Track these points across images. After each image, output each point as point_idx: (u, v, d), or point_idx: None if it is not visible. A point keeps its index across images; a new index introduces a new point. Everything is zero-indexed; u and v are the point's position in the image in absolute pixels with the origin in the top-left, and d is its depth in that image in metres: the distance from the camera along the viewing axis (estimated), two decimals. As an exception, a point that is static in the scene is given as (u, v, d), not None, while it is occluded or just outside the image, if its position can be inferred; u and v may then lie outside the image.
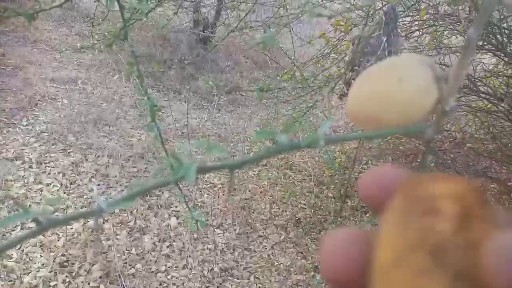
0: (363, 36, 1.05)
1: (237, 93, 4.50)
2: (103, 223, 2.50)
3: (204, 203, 2.86)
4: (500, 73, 2.66)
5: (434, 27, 2.39)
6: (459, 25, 2.25)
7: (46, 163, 2.80)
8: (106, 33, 1.86)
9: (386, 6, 1.02)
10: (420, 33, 2.54)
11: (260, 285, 2.37)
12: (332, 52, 2.47)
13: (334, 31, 2.28)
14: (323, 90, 1.65)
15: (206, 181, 3.06)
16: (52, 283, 2.10)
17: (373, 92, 0.57)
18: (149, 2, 1.03)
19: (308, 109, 2.22)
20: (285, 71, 2.53)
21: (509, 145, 2.64)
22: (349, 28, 2.25)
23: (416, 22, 2.30)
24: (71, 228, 2.40)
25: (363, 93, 0.57)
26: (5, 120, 3.06)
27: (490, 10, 0.50)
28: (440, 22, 2.37)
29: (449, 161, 2.83)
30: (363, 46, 1.09)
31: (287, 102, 3.96)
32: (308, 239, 2.73)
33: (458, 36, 2.63)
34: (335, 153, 3.42)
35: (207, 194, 2.97)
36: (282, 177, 3.26)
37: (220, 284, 2.34)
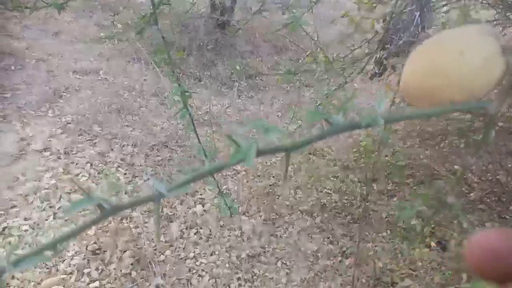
0: (395, 11, 1.00)
1: (257, 78, 4.46)
2: (131, 212, 2.54)
3: (229, 189, 2.86)
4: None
5: (463, 0, 2.28)
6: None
7: (73, 153, 2.85)
8: (129, 22, 1.85)
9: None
10: (448, 8, 2.44)
11: (288, 271, 2.37)
12: (356, 33, 2.40)
13: (358, 9, 2.21)
14: (348, 71, 1.60)
15: (230, 167, 3.06)
16: (86, 270, 2.15)
17: (431, 67, 0.52)
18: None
19: (337, 89, 2.16)
20: (307, 53, 2.48)
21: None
22: (374, 5, 2.17)
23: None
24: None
25: (420, 67, 0.53)
26: (32, 112, 3.12)
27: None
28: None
29: (479, 141, 2.74)
30: (395, 23, 1.04)
31: (308, 86, 3.90)
32: (335, 225, 2.71)
33: (489, 9, 2.51)
34: (360, 136, 3.36)
35: (231, 180, 2.97)
36: (306, 162, 3.23)
37: (248, 270, 2.35)
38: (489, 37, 0.43)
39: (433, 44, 0.46)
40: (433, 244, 2.30)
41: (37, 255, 0.33)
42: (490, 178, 2.58)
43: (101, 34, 2.43)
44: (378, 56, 1.04)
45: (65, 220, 2.42)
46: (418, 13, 0.93)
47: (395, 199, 2.77)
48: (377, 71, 1.01)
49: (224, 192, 2.79)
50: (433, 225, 2.51)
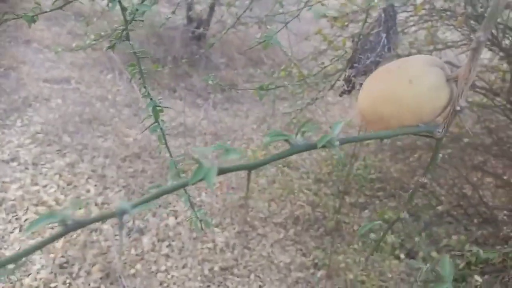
0: (363, 33, 1.05)
1: (232, 90, 4.48)
2: (101, 224, 2.49)
3: (202, 201, 2.85)
4: (495, 68, 2.67)
5: (430, 22, 2.39)
6: (455, 20, 2.25)
7: (42, 164, 2.77)
8: (102, 33, 1.84)
9: (385, 3, 1.02)
10: (417, 28, 2.54)
11: (261, 283, 2.37)
12: (329, 49, 2.47)
13: (331, 26, 2.27)
14: (320, 86, 1.64)
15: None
16: (52, 285, 2.08)
17: (384, 94, 0.56)
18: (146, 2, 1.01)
19: (310, 103, 2.21)
20: (282, 68, 2.52)
21: (505, 139, 2.66)
22: (345, 24, 2.24)
23: (412, 18, 2.30)
24: (69, 230, 2.38)
25: (375, 94, 0.57)
26: (0, 121, 3.02)
27: (497, 14, 0.50)
28: (436, 18, 2.37)
29: (446, 156, 2.84)
30: (363, 43, 1.08)
31: (284, 99, 3.95)
32: (307, 237, 2.73)
33: (454, 31, 2.63)
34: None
35: (205, 192, 2.96)
36: (280, 174, 3.26)
37: (221, 283, 2.34)
38: (436, 67, 0.47)
39: (385, 73, 0.50)
40: (402, 256, 2.36)
41: None
42: (456, 192, 2.67)
43: (74, 44, 2.39)
44: (347, 74, 1.08)
45: (32, 233, 2.34)
46: (385, 35, 0.97)
47: (366, 211, 2.83)
48: (346, 88, 1.04)
49: (197, 204, 2.77)
50: (402, 238, 2.58)
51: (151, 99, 0.85)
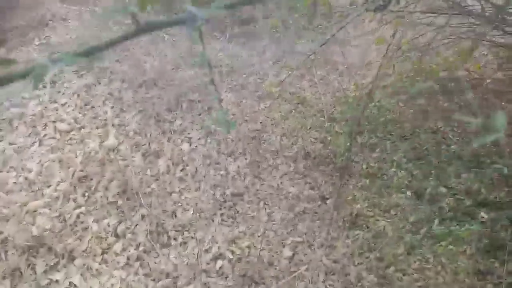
0: None
1: (250, 24, 4.38)
2: (118, 144, 2.56)
3: (216, 130, 2.90)
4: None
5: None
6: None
7: (60, 83, 2.80)
8: None
9: None
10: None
11: (269, 210, 2.47)
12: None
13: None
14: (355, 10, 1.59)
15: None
16: (72, 196, 2.19)
17: None
18: None
19: (326, 42, 2.16)
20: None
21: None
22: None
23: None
24: (88, 147, 2.46)
25: None
26: (19, 38, 3.01)
27: None
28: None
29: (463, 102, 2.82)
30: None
31: (301, 37, 3.86)
32: (317, 172, 2.79)
33: None
34: (351, 86, 3.40)
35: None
36: (294, 110, 3.27)
37: (231, 207, 2.44)
38: None
39: None
40: (408, 193, 2.42)
41: (72, 56, 0.35)
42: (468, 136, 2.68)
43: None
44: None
45: (51, 148, 2.42)
46: None
47: (377, 151, 2.87)
48: (381, 3, 1.01)
49: (212, 132, 2.82)
50: (409, 178, 2.63)
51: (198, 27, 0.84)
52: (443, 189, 2.08)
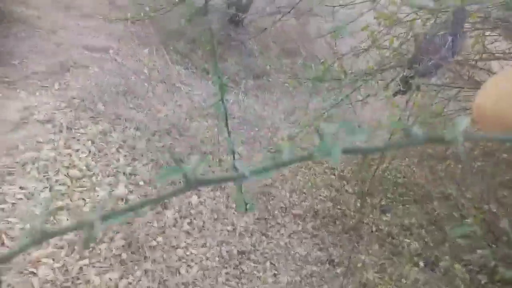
0: (429, 33, 1.03)
1: (264, 77, 4.48)
2: (128, 193, 2.55)
3: (226, 185, 2.88)
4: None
5: (481, 30, 2.33)
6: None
7: (76, 129, 2.84)
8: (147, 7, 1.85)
9: (457, 6, 1.00)
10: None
11: (276, 272, 2.40)
12: (373, 47, 2.44)
13: (378, 24, 2.24)
14: (369, 83, 1.63)
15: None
16: (77, 246, 2.15)
17: (506, 90, 0.53)
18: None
19: (340, 101, 2.19)
20: (322, 61, 2.50)
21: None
22: (394, 23, 2.20)
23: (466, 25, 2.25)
24: (97, 196, 2.44)
25: (502, 92, 0.54)
26: (38, 82, 3.10)
27: None
28: (486, 26, 2.31)
29: (475, 170, 2.80)
30: (426, 44, 1.07)
31: (315, 94, 3.93)
32: (326, 232, 2.74)
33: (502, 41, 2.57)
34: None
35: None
36: (304, 167, 3.26)
37: (237, 266, 2.37)
38: None
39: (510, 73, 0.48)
40: (421, 264, 2.35)
41: (122, 214, 0.35)
42: (484, 207, 2.63)
43: (128, 14, 2.45)
44: (404, 74, 1.07)
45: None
46: (451, 37, 0.95)
47: (387, 214, 2.82)
48: (401, 88, 1.03)
49: (222, 186, 2.80)
50: (422, 246, 2.56)
51: (219, 77, 0.86)
52: (458, 265, 2.01)
